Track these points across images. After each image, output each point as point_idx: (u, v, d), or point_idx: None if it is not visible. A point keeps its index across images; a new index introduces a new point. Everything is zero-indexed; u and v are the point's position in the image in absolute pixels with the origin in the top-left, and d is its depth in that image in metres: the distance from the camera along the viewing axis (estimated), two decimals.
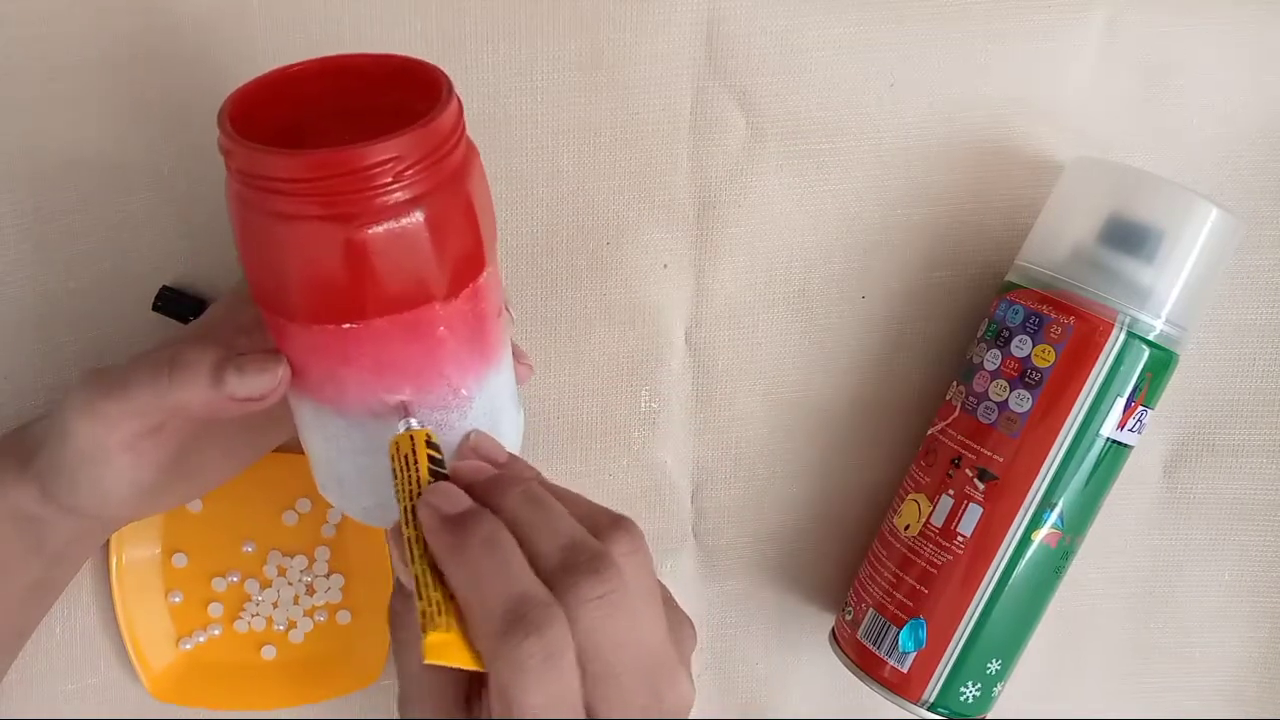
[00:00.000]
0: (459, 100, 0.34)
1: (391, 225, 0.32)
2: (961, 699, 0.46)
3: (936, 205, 0.50)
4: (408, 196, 0.32)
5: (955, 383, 0.48)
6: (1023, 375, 0.44)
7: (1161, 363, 0.44)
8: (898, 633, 0.46)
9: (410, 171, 0.32)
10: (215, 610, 0.49)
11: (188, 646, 0.49)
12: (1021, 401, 0.44)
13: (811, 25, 0.48)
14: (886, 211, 0.49)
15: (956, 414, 0.46)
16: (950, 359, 0.51)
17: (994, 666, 0.46)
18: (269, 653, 0.49)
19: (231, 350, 0.36)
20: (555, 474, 0.49)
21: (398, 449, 0.35)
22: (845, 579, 0.52)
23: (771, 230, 0.49)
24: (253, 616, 0.49)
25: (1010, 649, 0.47)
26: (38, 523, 0.40)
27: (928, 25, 0.48)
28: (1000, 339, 0.46)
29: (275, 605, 0.49)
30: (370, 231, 0.32)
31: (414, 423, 0.35)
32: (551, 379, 0.49)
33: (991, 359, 0.46)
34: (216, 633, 0.49)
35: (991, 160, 0.49)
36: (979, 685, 0.46)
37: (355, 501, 0.38)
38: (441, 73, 0.34)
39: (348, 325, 0.33)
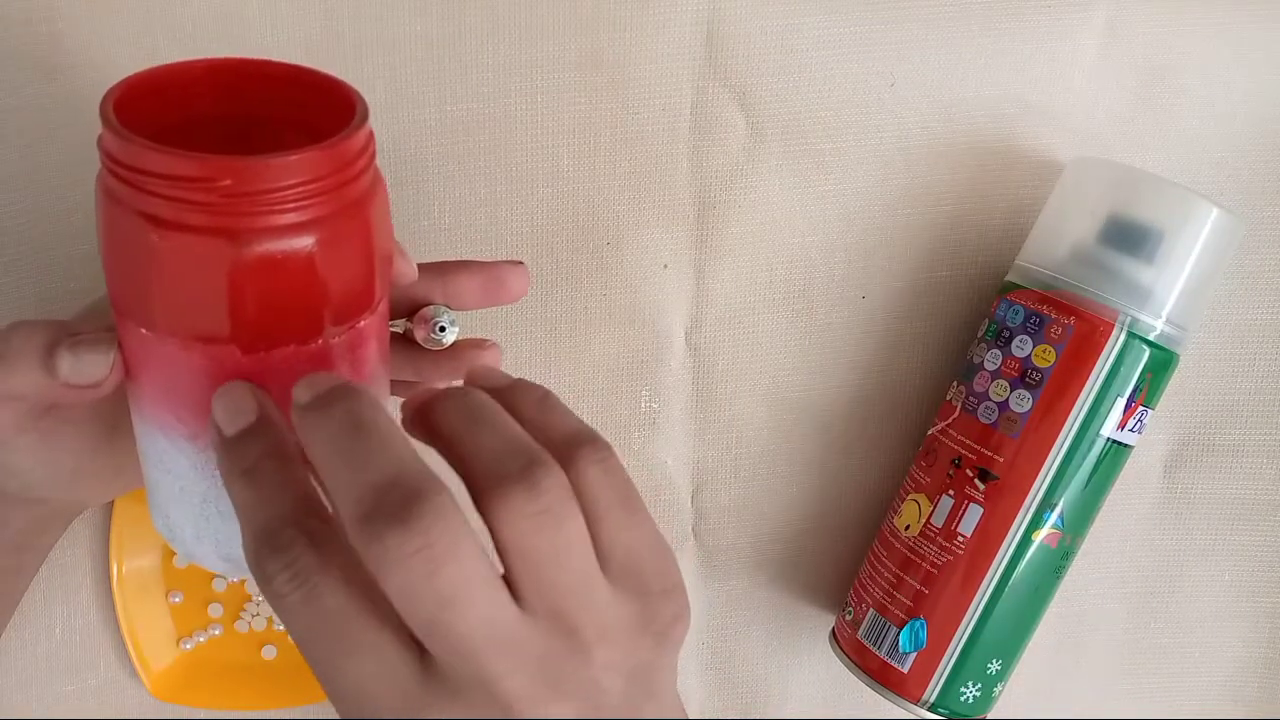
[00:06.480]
0: (370, 126, 0.31)
1: (278, 247, 0.29)
2: (962, 699, 0.46)
3: (936, 205, 0.50)
4: (303, 219, 0.29)
5: (955, 383, 0.48)
6: (1023, 375, 0.44)
7: (1162, 363, 0.44)
8: (898, 633, 0.46)
9: (312, 191, 0.29)
10: (215, 610, 0.49)
11: (188, 646, 0.49)
12: (1022, 401, 0.44)
13: (811, 25, 0.48)
14: (887, 211, 0.49)
15: (957, 414, 0.46)
16: (950, 359, 0.51)
17: (994, 667, 0.46)
18: (269, 653, 0.49)
19: (65, 332, 0.33)
20: None
21: None
22: (845, 579, 0.52)
23: (771, 230, 0.49)
24: (253, 616, 0.49)
25: (1010, 649, 0.47)
26: None
27: (927, 25, 0.48)
28: (1001, 339, 0.46)
29: None
30: (253, 251, 0.29)
31: None
32: (551, 379, 0.49)
33: (992, 359, 0.46)
34: (217, 633, 0.49)
35: (991, 160, 0.49)
36: (979, 685, 0.46)
37: (179, 539, 0.35)
38: (353, 90, 0.32)
39: (205, 345, 0.30)
